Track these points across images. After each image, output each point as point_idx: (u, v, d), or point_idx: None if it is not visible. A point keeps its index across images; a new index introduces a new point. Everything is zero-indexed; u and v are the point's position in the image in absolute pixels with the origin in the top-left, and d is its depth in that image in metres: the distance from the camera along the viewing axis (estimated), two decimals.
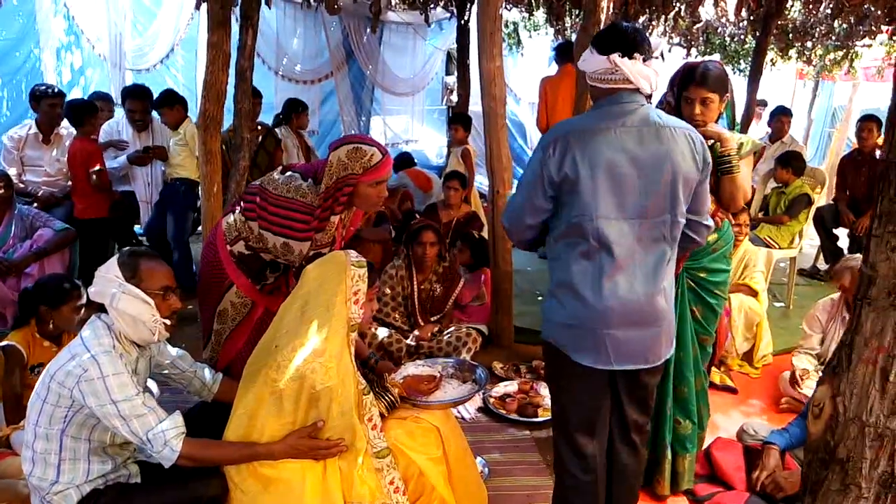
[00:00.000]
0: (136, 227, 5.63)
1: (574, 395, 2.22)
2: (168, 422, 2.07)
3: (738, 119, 6.86)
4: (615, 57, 2.02)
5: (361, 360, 2.58)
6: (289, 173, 2.65)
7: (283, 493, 2.12)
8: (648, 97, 2.15)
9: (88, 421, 2.08)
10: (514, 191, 2.31)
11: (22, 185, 4.88)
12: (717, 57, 9.28)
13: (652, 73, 2.07)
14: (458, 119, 6.60)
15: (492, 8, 3.78)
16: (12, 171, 4.80)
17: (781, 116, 6.70)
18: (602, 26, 3.81)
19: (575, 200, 2.02)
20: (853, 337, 1.20)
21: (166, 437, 2.04)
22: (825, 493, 1.24)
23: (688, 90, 2.57)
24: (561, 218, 2.10)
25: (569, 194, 2.03)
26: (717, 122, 2.64)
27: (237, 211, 2.70)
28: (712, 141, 2.59)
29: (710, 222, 2.31)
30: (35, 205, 4.74)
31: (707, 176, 2.20)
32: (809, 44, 8.31)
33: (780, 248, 5.31)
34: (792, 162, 5.62)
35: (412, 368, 2.48)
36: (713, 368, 3.99)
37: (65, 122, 5.05)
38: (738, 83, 7.67)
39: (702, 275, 2.78)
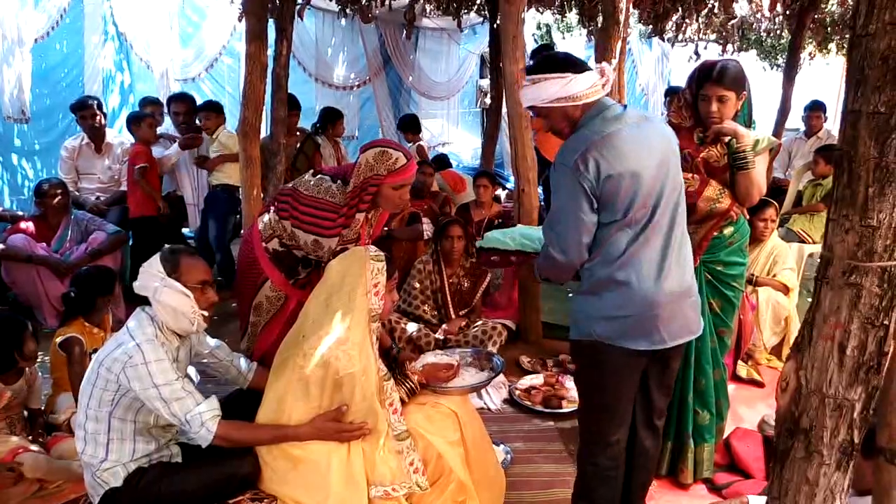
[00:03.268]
0: (187, 231, 5.92)
1: (616, 386, 2.25)
2: (205, 405, 2.23)
3: (775, 115, 6.84)
4: (604, 66, 2.16)
5: (384, 350, 2.72)
6: (319, 176, 2.83)
7: (311, 472, 2.26)
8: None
9: (134, 404, 2.25)
10: (544, 226, 2.26)
11: (77, 194, 5.20)
12: (752, 53, 9.14)
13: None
14: (404, 127, 7.49)
15: (514, 11, 3.89)
16: (68, 179, 5.13)
17: (814, 112, 6.62)
18: (622, 28, 3.89)
19: (614, 201, 2.08)
20: (814, 315, 1.28)
21: (203, 418, 2.20)
22: (791, 461, 1.32)
23: (704, 88, 2.62)
24: (598, 222, 2.13)
25: (607, 197, 2.08)
26: (734, 119, 2.68)
27: (272, 211, 2.88)
28: (728, 137, 2.67)
29: None
30: None
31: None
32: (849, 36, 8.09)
33: (813, 241, 5.26)
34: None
35: (431, 357, 2.62)
36: (740, 362, 4.01)
37: (112, 133, 5.38)
38: (776, 79, 7.59)
39: (719, 268, 2.84)
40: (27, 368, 2.92)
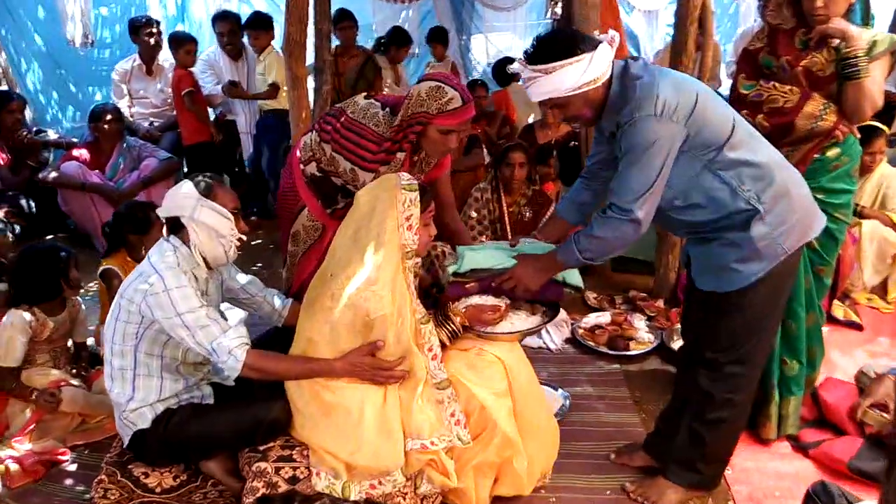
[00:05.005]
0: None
1: (786, 294, 2.25)
2: (232, 332, 2.12)
3: (890, 16, 5.95)
4: (612, 34, 2.03)
5: (423, 290, 2.47)
6: (370, 100, 2.62)
7: (343, 420, 2.12)
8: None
9: (159, 337, 2.18)
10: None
11: (131, 119, 5.12)
12: None
13: None
14: (434, 37, 6.59)
15: None
16: (122, 103, 5.06)
17: None
18: None
19: (716, 111, 2.02)
20: None
21: (230, 346, 2.10)
22: None
23: None
24: (748, 149, 2.05)
25: (711, 116, 1.99)
26: (845, 17, 2.35)
27: (314, 132, 2.67)
28: (837, 41, 2.32)
29: None
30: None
31: None
32: None
33: None
34: None
35: (476, 298, 2.33)
36: (836, 301, 3.61)
37: (164, 55, 5.21)
38: None
39: (819, 196, 2.45)
40: (70, 301, 2.89)
